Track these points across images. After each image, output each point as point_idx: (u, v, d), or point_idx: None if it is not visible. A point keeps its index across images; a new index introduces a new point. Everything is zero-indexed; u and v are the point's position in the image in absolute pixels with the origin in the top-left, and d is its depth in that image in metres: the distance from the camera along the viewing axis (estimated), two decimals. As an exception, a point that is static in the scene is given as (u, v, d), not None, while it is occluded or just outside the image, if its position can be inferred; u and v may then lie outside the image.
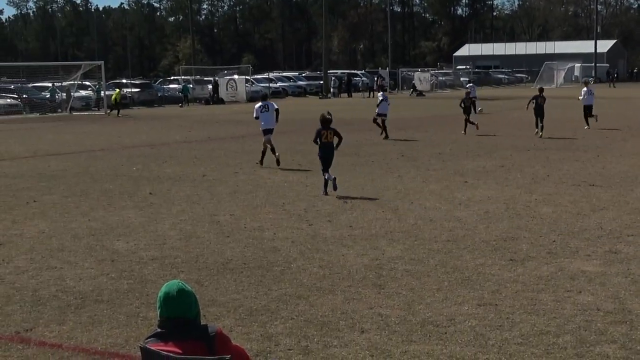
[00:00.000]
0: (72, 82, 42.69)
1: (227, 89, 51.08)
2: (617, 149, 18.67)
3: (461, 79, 69.24)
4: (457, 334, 5.94)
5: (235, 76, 54.46)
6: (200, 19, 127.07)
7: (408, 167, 15.88)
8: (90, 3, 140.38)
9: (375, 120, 23.41)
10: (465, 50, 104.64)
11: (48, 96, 41.75)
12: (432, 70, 72.70)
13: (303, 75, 68.31)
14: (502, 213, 10.72)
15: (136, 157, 18.74)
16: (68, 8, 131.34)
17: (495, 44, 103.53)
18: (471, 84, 35.44)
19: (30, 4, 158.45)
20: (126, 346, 5.84)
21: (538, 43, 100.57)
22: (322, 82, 59.71)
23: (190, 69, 61.39)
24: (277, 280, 7.54)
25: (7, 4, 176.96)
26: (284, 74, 69.55)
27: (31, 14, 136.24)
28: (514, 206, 11.22)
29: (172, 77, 63.34)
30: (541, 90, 23.37)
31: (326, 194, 12.56)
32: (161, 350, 3.52)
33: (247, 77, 55.46)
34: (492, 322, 6.18)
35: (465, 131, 23.26)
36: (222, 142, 21.93)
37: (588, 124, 24.57)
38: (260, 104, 17.20)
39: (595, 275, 7.53)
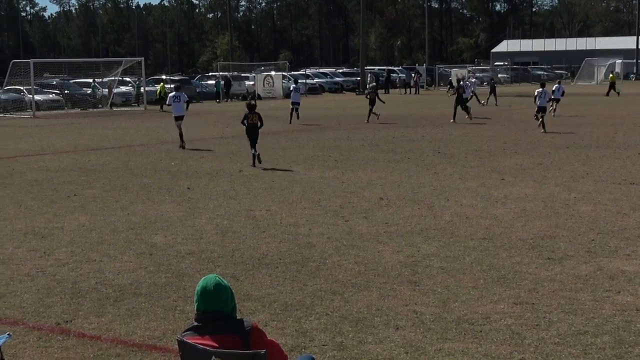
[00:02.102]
0: (113, 78, 43.28)
1: (263, 85, 51.31)
2: (659, 147, 18.28)
3: (499, 75, 68.35)
4: (493, 332, 5.90)
5: (272, 72, 54.65)
6: (238, 15, 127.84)
7: (444, 164, 15.79)
8: (131, 0, 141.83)
9: (292, 111, 27.39)
10: (504, 46, 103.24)
11: (89, 92, 42.41)
12: (469, 66, 72.01)
13: (340, 71, 68.17)
14: (539, 211, 10.59)
15: (174, 153, 18.96)
16: (109, 5, 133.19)
17: (534, 40, 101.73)
18: (461, 82, 41.64)
19: (73, 1, 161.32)
20: (163, 339, 5.92)
21: (578, 39, 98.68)
22: (359, 78, 59.58)
23: (228, 65, 61.79)
24: (312, 275, 7.57)
25: (50, 1, 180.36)
26: (321, 70, 69.51)
27: (73, 11, 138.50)
28: (552, 204, 11.08)
29: (210, 74, 63.81)
30: (459, 81, 29.34)
31: (254, 166, 15.54)
32: (198, 343, 3.58)
33: (284, 73, 55.62)
34: (528, 321, 6.12)
35: (368, 120, 27.04)
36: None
37: (469, 114, 26.74)
38: (173, 94, 20.30)
39: (635, 275, 7.40)
